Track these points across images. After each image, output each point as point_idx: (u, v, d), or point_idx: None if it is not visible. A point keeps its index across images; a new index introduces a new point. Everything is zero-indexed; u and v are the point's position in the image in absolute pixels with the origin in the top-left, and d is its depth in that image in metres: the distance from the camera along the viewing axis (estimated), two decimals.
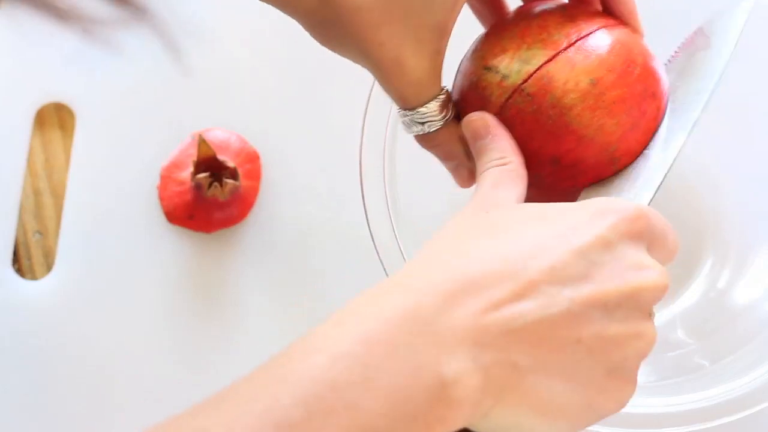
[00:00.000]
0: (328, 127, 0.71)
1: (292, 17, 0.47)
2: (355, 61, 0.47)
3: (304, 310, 0.68)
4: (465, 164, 0.49)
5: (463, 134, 0.48)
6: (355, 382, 0.36)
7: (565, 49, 0.47)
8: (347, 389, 0.36)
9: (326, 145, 0.71)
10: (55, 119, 0.72)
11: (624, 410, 0.56)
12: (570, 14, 0.48)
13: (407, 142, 0.60)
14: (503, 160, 0.46)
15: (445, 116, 0.47)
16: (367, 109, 0.59)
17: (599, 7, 0.51)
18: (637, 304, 0.40)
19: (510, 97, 0.47)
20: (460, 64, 0.50)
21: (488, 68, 0.47)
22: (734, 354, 0.62)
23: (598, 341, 0.39)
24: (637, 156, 0.48)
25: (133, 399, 0.67)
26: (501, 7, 0.52)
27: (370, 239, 0.58)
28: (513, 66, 0.47)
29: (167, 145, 0.71)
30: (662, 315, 0.68)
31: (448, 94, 0.48)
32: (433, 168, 0.52)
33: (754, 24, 0.65)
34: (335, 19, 0.45)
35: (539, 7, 0.50)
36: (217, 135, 0.70)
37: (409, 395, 0.36)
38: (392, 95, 0.47)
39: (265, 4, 0.47)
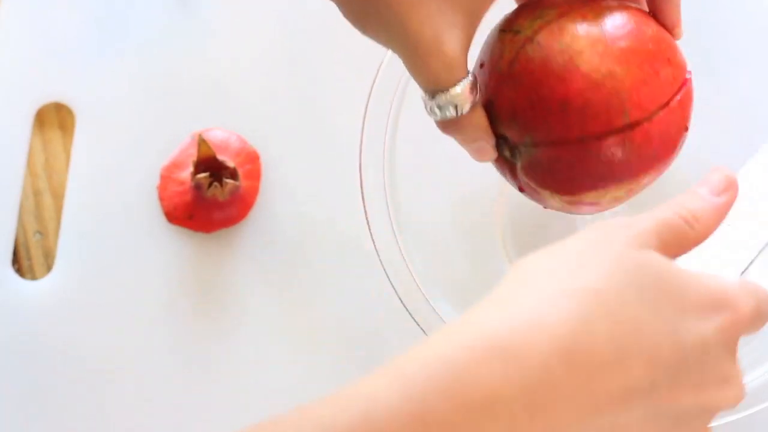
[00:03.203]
0: (328, 127, 0.71)
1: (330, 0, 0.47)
2: (388, 43, 0.47)
3: (304, 310, 0.68)
4: (490, 141, 0.50)
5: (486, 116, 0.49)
6: None
7: (580, 7, 0.48)
8: None
9: (326, 145, 0.71)
10: (55, 119, 0.72)
11: None
12: None
13: (407, 143, 0.60)
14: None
15: (474, 98, 0.48)
16: (367, 109, 0.59)
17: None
18: (705, 416, 0.40)
19: (521, 48, 0.47)
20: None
21: (504, 30, 0.48)
22: None
23: None
24: (651, 115, 0.48)
25: (133, 399, 0.67)
26: None
27: (370, 239, 0.58)
28: (526, 23, 0.48)
29: (167, 145, 0.71)
30: None
31: (476, 77, 0.48)
32: (433, 168, 0.52)
33: (754, 24, 0.65)
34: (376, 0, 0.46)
35: None
36: (217, 135, 0.70)
37: None
38: (425, 75, 0.47)
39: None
